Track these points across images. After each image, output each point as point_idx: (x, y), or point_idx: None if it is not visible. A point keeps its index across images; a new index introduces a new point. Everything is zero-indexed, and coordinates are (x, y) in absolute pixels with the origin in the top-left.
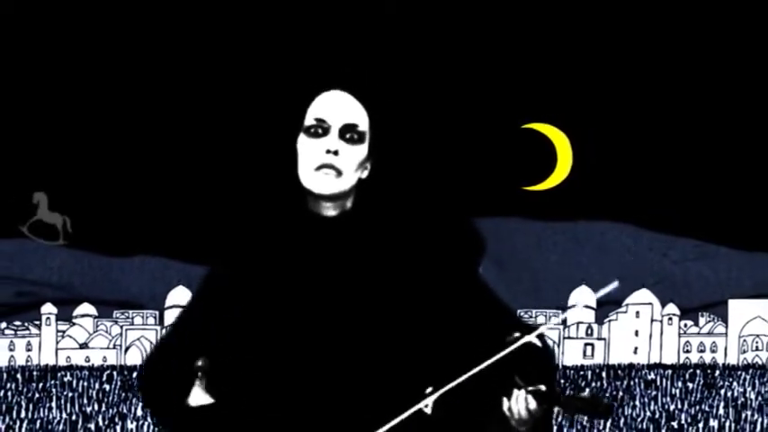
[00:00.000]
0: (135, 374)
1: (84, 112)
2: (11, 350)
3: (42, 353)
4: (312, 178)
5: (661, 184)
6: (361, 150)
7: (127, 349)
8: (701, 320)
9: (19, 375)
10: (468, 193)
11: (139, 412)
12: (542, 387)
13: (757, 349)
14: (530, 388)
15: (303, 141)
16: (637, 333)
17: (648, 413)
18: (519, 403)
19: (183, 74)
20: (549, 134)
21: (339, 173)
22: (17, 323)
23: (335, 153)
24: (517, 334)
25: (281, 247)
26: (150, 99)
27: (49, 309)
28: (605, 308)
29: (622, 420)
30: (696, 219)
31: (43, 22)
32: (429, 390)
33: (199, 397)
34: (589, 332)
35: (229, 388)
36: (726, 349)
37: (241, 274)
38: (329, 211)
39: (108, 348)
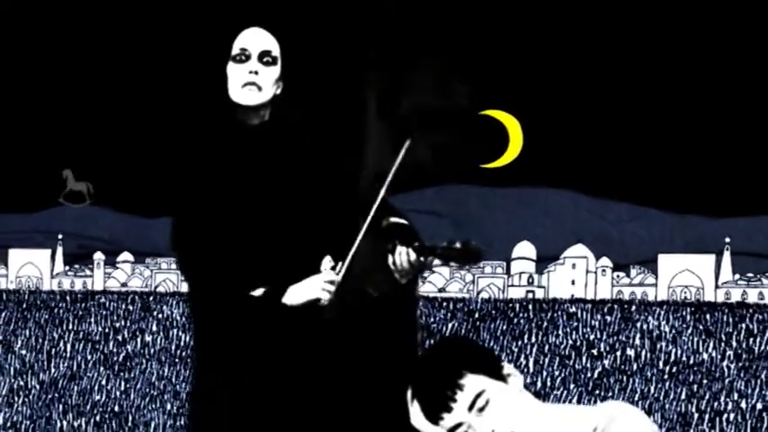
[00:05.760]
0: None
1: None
2: (72, 287)
3: (94, 288)
4: (239, 93)
5: (601, 153)
6: (275, 71)
7: (155, 288)
8: (633, 272)
9: (68, 297)
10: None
11: (155, 328)
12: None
13: (685, 299)
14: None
15: (231, 67)
16: (573, 282)
17: (570, 341)
18: (401, 256)
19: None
20: (503, 119)
21: (260, 88)
22: (77, 266)
23: (256, 73)
24: (392, 219)
25: (220, 148)
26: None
27: (99, 256)
28: (546, 261)
29: (547, 347)
30: (632, 185)
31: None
32: (329, 259)
33: None
34: (530, 281)
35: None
36: (656, 298)
37: (201, 171)
38: (253, 120)
39: (142, 287)
